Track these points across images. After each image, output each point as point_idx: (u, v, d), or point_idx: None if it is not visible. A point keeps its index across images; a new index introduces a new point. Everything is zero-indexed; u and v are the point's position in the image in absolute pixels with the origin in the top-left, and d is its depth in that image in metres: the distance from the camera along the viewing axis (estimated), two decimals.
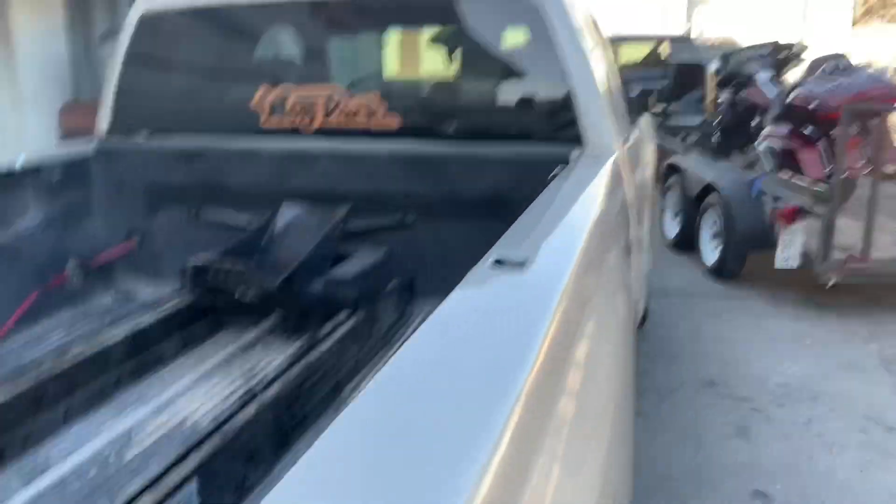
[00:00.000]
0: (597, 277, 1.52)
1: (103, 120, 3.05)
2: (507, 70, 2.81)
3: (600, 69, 3.02)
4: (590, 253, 1.51)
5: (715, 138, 7.03)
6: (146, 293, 2.93)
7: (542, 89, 2.75)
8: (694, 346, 4.85)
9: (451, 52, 2.89)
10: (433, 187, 2.66)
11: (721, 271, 5.95)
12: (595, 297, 1.46)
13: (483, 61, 2.84)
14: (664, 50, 9.58)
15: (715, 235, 6.04)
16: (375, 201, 2.70)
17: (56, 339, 2.53)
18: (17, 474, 1.72)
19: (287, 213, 2.71)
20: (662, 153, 7.61)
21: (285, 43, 2.93)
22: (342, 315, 2.37)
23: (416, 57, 2.81)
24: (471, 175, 2.61)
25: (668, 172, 7.01)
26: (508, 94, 2.79)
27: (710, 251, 6.11)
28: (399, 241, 2.73)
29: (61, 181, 2.81)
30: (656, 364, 4.61)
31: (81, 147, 2.95)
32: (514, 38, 2.82)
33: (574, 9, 2.70)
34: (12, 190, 2.63)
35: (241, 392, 2.06)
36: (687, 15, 21.12)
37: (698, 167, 6.45)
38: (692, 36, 14.17)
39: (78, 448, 1.85)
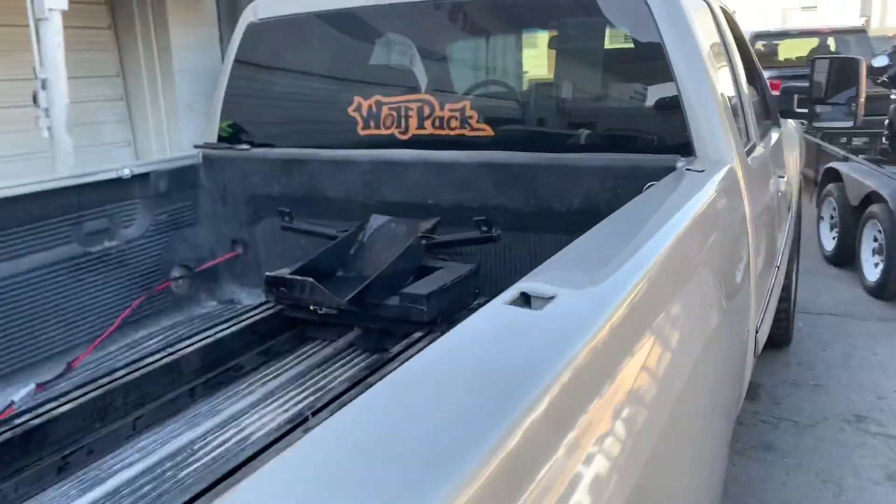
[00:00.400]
0: (665, 309, 1.31)
1: (212, 128, 3.12)
2: (609, 74, 2.59)
3: (721, 69, 2.73)
4: (658, 282, 1.30)
5: (883, 142, 6.31)
6: (248, 302, 2.96)
7: (647, 93, 2.51)
8: (843, 374, 4.35)
9: (548, 55, 2.70)
10: (526, 199, 2.49)
11: (882, 290, 5.31)
12: (662, 336, 1.25)
13: (582, 65, 2.64)
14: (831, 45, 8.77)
15: (877, 250, 5.41)
16: (465, 213, 2.57)
17: (153, 346, 2.59)
18: (75, 485, 1.74)
19: (375, 224, 2.64)
20: (819, 157, 6.95)
21: (384, 50, 2.86)
22: (418, 333, 2.26)
23: (511, 63, 2.66)
24: (565, 187, 2.42)
25: (825, 178, 6.38)
26: (610, 99, 2.57)
27: (871, 267, 5.48)
28: (490, 255, 2.59)
29: (169, 189, 2.89)
30: (799, 392, 4.18)
31: (190, 155, 3.03)
32: (617, 38, 2.60)
33: (688, 3, 2.44)
34: (122, 197, 2.73)
35: (300, 409, 2.00)
36: (862, 5, 19.37)
37: (860, 173, 5.81)
38: (868, 28, 12.94)
39: (139, 461, 1.85)
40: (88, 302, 2.58)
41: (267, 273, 2.35)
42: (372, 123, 2.79)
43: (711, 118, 2.35)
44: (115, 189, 2.70)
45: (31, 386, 2.23)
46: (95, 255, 2.62)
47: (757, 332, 2.56)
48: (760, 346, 2.69)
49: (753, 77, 3.78)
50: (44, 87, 4.95)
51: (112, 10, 7.38)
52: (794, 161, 4.22)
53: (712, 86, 2.38)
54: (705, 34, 2.53)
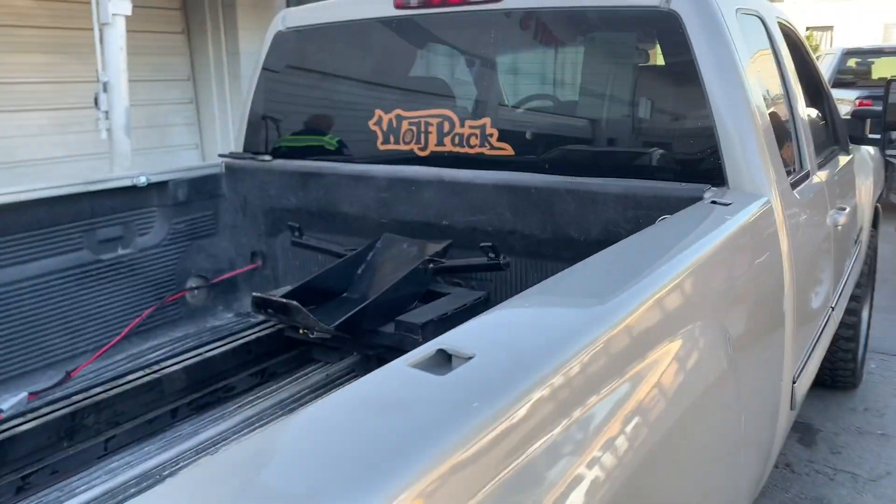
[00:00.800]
0: (621, 373, 1.14)
1: (239, 138, 3.07)
2: (636, 93, 2.40)
3: (768, 90, 2.50)
4: (620, 342, 1.13)
5: None
6: (263, 316, 2.89)
7: (677, 116, 2.30)
8: None
9: (572, 73, 2.52)
10: (543, 225, 2.32)
11: None
12: (616, 409, 1.08)
13: (608, 83, 2.45)
14: None
15: None
16: (480, 236, 2.42)
17: (157, 357, 2.54)
18: None
19: (385, 245, 2.52)
20: None
21: (406, 62, 2.75)
22: None
23: (534, 81, 2.50)
24: (584, 214, 2.24)
25: None
26: (636, 121, 2.37)
27: None
28: (505, 282, 2.43)
29: (189, 198, 2.85)
30: (862, 441, 3.84)
31: (213, 164, 2.99)
32: (646, 55, 2.40)
33: (728, 17, 2.23)
34: (138, 204, 2.70)
35: None
36: None
37: None
38: None
39: (104, 482, 1.78)
40: (96, 310, 2.55)
41: (253, 293, 2.26)
42: (392, 138, 2.68)
43: (748, 145, 2.13)
44: (130, 196, 2.68)
45: (24, 394, 2.20)
46: (107, 263, 2.60)
47: (795, 383, 2.31)
48: (801, 397, 2.44)
49: (820, 99, 3.50)
50: (105, 89, 5.05)
51: (186, 15, 7.57)
52: (866, 190, 3.88)
53: (751, 108, 2.16)
54: (749, 51, 2.31)
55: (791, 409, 2.33)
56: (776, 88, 2.61)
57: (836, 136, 3.57)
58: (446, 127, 2.56)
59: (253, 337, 2.38)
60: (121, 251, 2.66)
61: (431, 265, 2.35)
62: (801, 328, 2.32)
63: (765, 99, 2.40)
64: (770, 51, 2.67)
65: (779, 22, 2.88)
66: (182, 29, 7.54)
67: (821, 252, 2.66)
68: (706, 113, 2.13)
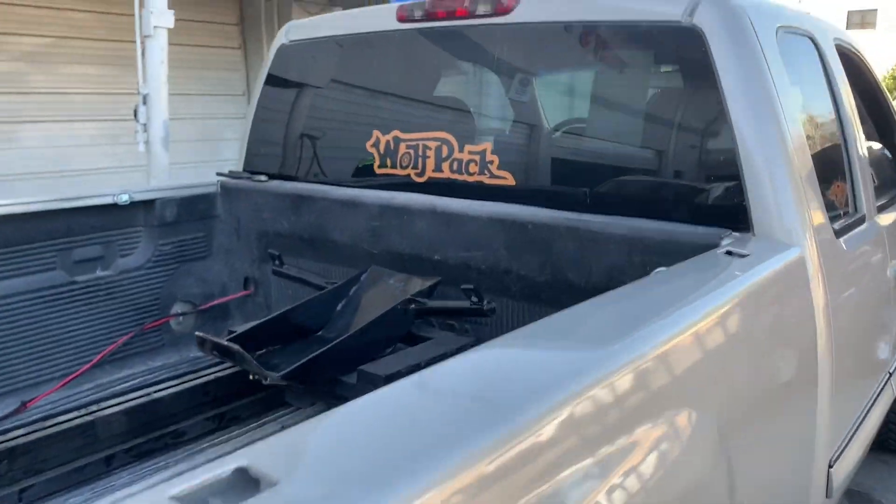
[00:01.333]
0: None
1: (241, 156, 2.90)
2: (652, 123, 2.09)
3: (816, 122, 2.17)
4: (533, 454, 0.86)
5: None
6: None
7: (698, 149, 1.99)
8: None
9: (583, 95, 2.23)
10: (541, 266, 2.04)
11: None
12: None
13: (620, 110, 2.15)
14: None
15: None
16: (474, 275, 2.15)
17: (125, 388, 2.36)
18: None
19: (370, 279, 2.28)
20: None
21: (408, 81, 2.51)
22: None
23: (543, 103, 2.22)
24: (586, 257, 1.95)
25: None
26: (650, 153, 2.07)
27: None
28: (501, 327, 2.16)
29: (178, 218, 2.68)
30: None
31: (207, 184, 2.81)
32: (665, 78, 2.10)
33: (765, 35, 1.91)
34: (120, 223, 2.55)
35: None
36: None
37: None
38: None
39: None
40: (67, 335, 2.40)
41: (197, 333, 2.04)
42: (389, 162, 2.45)
43: (780, 185, 1.80)
44: (113, 215, 2.52)
45: None
46: (82, 285, 2.44)
47: (832, 467, 1.95)
48: (842, 481, 2.07)
49: (890, 133, 3.10)
50: (144, 102, 5.01)
51: (243, 31, 7.56)
52: None
53: (785, 143, 1.83)
54: (791, 76, 1.99)
55: (827, 496, 1.97)
56: (827, 120, 2.27)
57: None
58: (445, 151, 2.31)
59: (213, 377, 2.17)
60: (99, 272, 2.50)
61: (413, 306, 2.09)
62: (841, 401, 1.96)
63: (808, 132, 2.06)
64: (823, 76, 2.32)
65: (837, 44, 2.52)
66: (239, 45, 7.54)
67: (876, 309, 2.29)
68: (730, 146, 1.82)
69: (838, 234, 2.07)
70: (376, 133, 2.47)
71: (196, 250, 2.74)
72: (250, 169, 2.83)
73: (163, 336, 2.66)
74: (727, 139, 1.82)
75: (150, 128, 5.07)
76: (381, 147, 2.46)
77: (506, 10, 2.17)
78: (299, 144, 2.74)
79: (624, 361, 1.06)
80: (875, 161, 2.62)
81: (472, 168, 2.25)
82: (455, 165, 2.29)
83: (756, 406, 1.47)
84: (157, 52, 4.97)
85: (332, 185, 2.55)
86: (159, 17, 4.91)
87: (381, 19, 2.47)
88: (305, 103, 2.74)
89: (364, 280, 2.29)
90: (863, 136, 2.49)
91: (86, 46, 6.41)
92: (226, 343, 1.88)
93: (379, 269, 2.31)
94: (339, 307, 2.26)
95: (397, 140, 2.42)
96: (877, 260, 2.32)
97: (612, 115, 2.15)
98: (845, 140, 2.33)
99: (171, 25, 4.99)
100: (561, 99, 2.24)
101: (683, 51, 1.91)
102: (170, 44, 4.82)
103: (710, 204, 1.87)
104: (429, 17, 2.33)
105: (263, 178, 2.71)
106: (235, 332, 2.11)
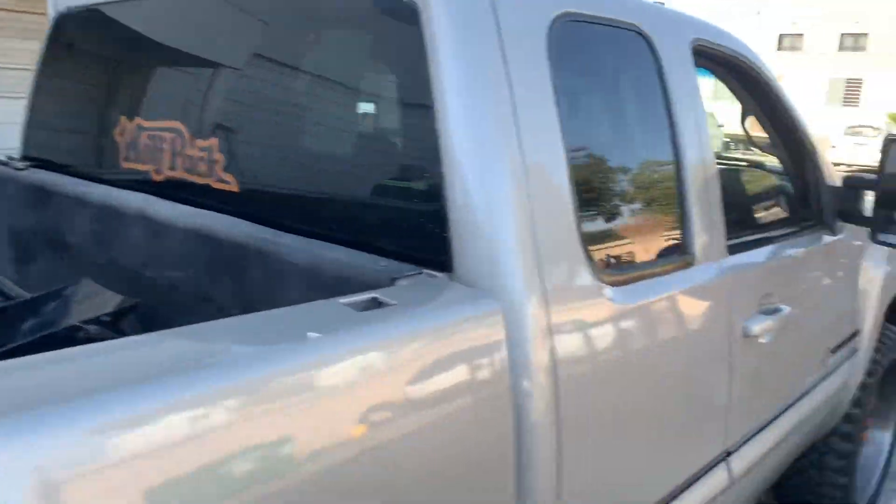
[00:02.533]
0: None
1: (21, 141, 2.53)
2: (356, 127, 1.65)
3: (610, 139, 1.72)
4: None
5: None
6: None
7: (400, 160, 1.55)
8: None
9: (300, 84, 1.78)
10: (234, 296, 1.62)
11: None
12: None
13: (332, 102, 1.70)
14: None
15: None
16: (179, 299, 1.74)
17: None
18: None
19: (75, 295, 1.88)
20: None
21: (158, 55, 2.10)
22: None
23: (261, 91, 1.78)
24: (274, 289, 1.52)
25: None
26: (356, 159, 1.62)
27: None
28: None
29: None
30: None
31: None
32: (378, 73, 1.65)
33: (520, 23, 1.46)
34: None
35: None
36: None
37: None
38: None
39: None
40: None
41: None
42: (132, 154, 2.05)
43: (501, 216, 1.35)
44: None
45: None
46: None
47: None
48: None
49: (793, 157, 2.61)
50: None
51: None
52: (870, 282, 2.91)
53: (519, 160, 1.38)
54: (568, 83, 1.53)
55: None
56: (640, 142, 1.81)
57: (817, 209, 2.65)
58: (178, 144, 1.91)
59: None
60: None
61: (81, 333, 1.68)
62: None
63: (587, 149, 1.61)
64: (656, 85, 1.84)
65: (700, 46, 2.04)
66: (45, 10, 6.95)
67: (681, 381, 1.81)
68: (433, 160, 1.37)
69: (629, 281, 1.62)
70: (123, 119, 2.07)
71: None
72: (28, 154, 2.46)
73: None
74: (429, 151, 1.37)
75: None
76: (126, 136, 2.06)
77: None
78: (66, 130, 2.36)
79: None
80: (736, 190, 2.14)
81: (202, 167, 1.84)
82: (187, 162, 1.88)
83: None
84: None
85: (82, 178, 2.17)
86: None
87: None
88: (76, 83, 2.36)
89: (67, 295, 1.89)
90: (713, 164, 2.00)
91: None
92: None
93: (91, 283, 1.90)
94: (25, 326, 1.87)
95: (140, 129, 2.02)
96: (699, 314, 1.84)
97: (324, 112, 1.70)
98: (679, 164, 1.86)
99: None
100: (277, 90, 1.80)
101: (396, 34, 1.46)
102: None
103: (405, 233, 1.43)
104: None
105: (21, 164, 2.33)
106: None
